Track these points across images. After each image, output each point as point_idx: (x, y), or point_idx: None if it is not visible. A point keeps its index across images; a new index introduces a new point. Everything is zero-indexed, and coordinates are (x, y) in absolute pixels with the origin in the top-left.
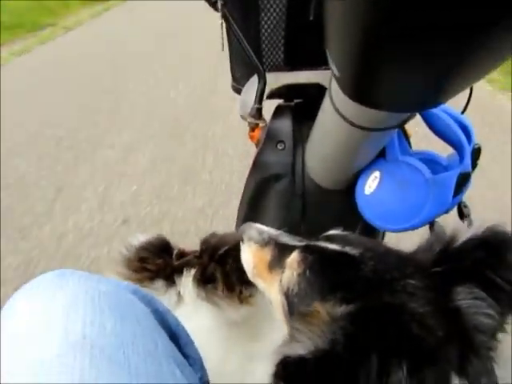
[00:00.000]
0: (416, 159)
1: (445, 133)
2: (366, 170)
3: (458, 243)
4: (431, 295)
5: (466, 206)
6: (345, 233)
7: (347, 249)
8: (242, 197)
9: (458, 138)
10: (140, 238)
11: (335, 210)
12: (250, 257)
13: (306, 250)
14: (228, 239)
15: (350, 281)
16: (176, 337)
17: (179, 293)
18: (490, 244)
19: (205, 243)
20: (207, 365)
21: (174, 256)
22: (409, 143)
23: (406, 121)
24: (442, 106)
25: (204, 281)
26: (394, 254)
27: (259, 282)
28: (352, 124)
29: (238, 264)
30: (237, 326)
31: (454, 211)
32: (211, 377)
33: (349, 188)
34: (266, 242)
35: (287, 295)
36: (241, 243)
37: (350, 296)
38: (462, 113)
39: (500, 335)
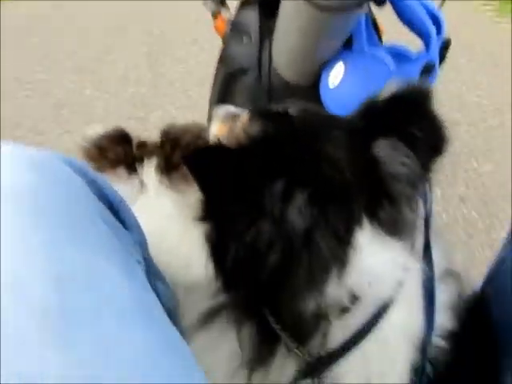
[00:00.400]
0: (383, 51)
1: (413, 22)
2: (330, 63)
3: (381, 101)
4: (350, 145)
5: None
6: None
7: (288, 108)
8: (211, 93)
9: (426, 27)
10: (97, 129)
11: None
12: (215, 133)
13: (251, 110)
14: (190, 129)
15: (276, 122)
16: (114, 208)
17: (142, 181)
18: (408, 97)
19: (165, 135)
20: (166, 249)
21: (134, 146)
22: (380, 38)
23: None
24: None
25: (168, 169)
26: (328, 114)
27: None
28: (314, 5)
29: None
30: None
31: None
32: (169, 258)
33: (315, 84)
34: (227, 119)
35: None
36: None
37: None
38: (440, 7)
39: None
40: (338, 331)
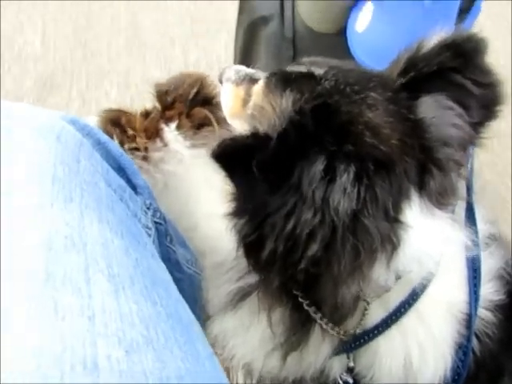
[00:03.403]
0: None
1: None
2: (357, 4)
3: (425, 49)
4: (392, 108)
5: None
6: (316, 57)
7: (313, 69)
8: (235, 48)
9: None
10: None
11: (328, 57)
12: (227, 97)
13: (271, 75)
14: (189, 81)
15: (307, 92)
16: (122, 167)
17: (172, 148)
18: (457, 45)
19: (163, 95)
20: (200, 211)
21: (138, 116)
22: None
23: None
24: None
25: (195, 127)
26: (360, 70)
27: (236, 123)
28: None
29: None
30: None
31: None
32: (203, 221)
33: (341, 32)
34: (241, 80)
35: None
36: (219, 85)
37: (304, 96)
38: None
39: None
40: (376, 310)
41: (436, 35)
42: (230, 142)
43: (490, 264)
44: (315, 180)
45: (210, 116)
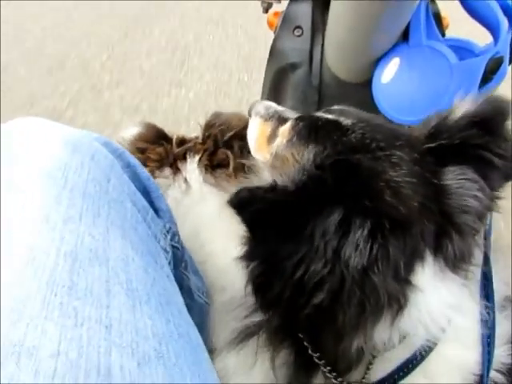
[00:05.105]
0: (443, 45)
1: (480, 11)
2: (384, 57)
3: (454, 118)
4: (417, 170)
5: None
6: (346, 107)
7: (341, 119)
8: (263, 89)
9: (495, 16)
10: (131, 131)
11: (352, 105)
12: (254, 131)
13: (299, 118)
14: (233, 123)
15: (332, 143)
16: (147, 190)
17: (186, 179)
18: (485, 118)
19: (208, 128)
20: (210, 247)
21: (174, 143)
22: (442, 31)
23: None
24: None
25: (212, 166)
26: (389, 127)
27: (260, 157)
28: None
29: (246, 148)
30: None
31: None
32: (212, 256)
33: (367, 82)
34: (269, 117)
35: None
36: (249, 118)
37: (326, 150)
38: None
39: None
40: (382, 365)
41: (464, 103)
42: (247, 194)
43: (505, 327)
44: (329, 232)
45: (230, 161)
